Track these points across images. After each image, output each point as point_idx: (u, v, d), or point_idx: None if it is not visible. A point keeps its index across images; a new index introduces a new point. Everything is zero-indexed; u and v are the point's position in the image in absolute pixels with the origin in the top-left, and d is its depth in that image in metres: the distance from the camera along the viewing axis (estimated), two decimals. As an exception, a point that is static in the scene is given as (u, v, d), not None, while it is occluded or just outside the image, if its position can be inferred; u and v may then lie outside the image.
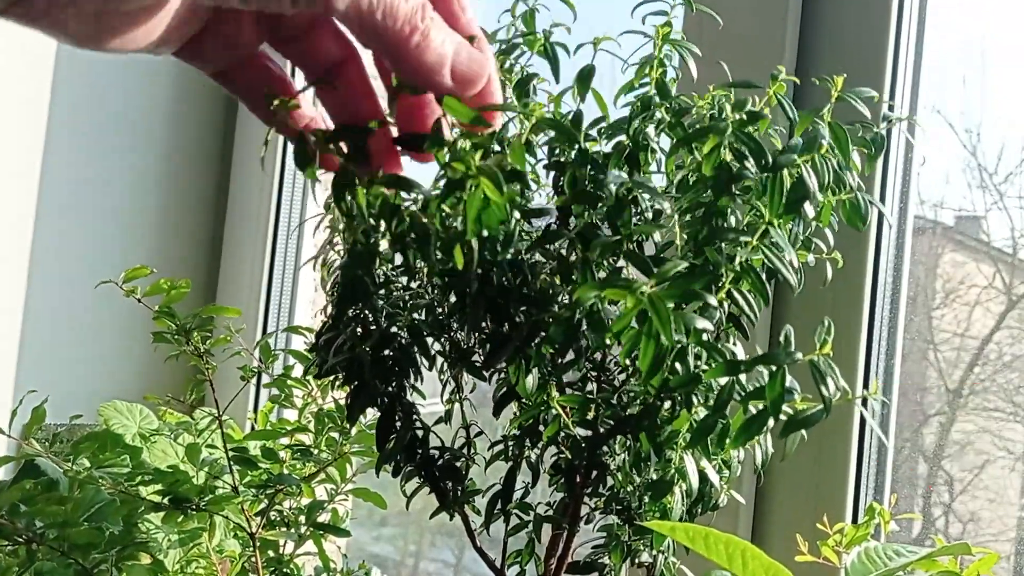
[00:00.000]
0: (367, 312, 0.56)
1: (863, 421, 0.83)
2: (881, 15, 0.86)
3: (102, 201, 1.27)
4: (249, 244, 1.32)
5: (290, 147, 1.41)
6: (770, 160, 0.48)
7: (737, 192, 0.49)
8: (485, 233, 0.44)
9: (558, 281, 0.50)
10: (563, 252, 0.51)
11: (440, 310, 0.57)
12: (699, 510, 0.58)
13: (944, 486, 1.12)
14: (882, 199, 0.85)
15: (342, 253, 0.59)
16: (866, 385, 0.84)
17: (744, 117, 0.49)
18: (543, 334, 0.50)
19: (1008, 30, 1.03)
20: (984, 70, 1.05)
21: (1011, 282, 1.15)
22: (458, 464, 0.60)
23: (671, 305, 0.41)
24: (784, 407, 0.43)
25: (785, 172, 0.48)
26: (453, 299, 0.57)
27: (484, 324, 0.52)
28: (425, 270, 0.59)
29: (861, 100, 0.53)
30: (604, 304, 0.45)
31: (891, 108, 0.83)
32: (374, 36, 0.37)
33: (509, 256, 0.49)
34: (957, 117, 1.07)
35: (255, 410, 1.22)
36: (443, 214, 0.46)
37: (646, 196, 0.51)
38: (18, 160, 1.18)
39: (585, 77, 0.53)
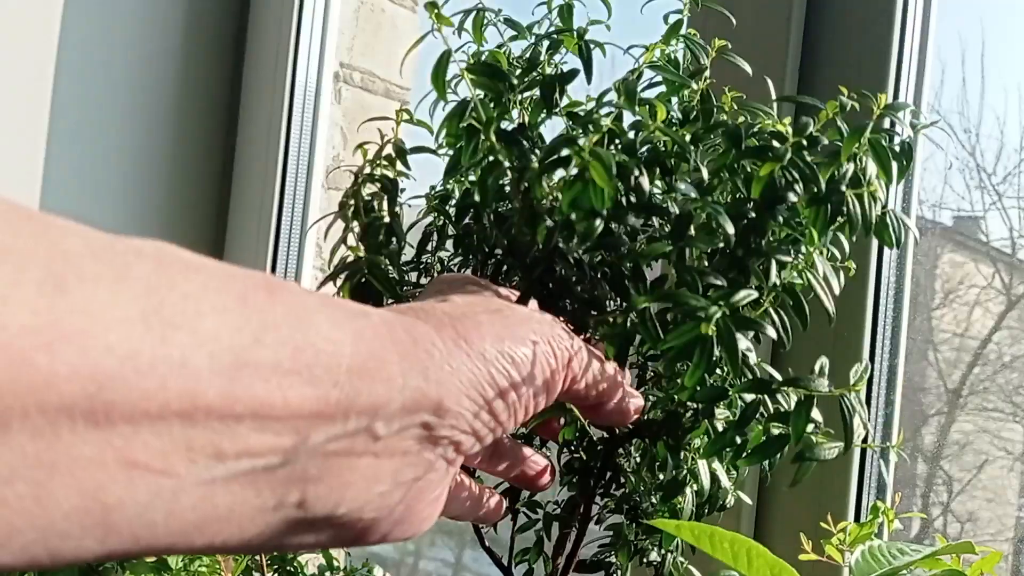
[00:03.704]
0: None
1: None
2: (885, 13, 0.86)
3: (105, 204, 1.27)
4: (251, 246, 1.32)
5: (291, 146, 1.40)
6: (823, 189, 0.47)
7: (781, 212, 0.48)
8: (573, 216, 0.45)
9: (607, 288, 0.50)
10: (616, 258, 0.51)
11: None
12: (707, 510, 0.58)
13: (943, 486, 1.12)
14: (885, 200, 0.85)
15: (355, 249, 0.59)
16: (869, 385, 0.84)
17: (804, 142, 0.48)
18: (585, 335, 0.50)
19: (1007, 31, 1.04)
20: (983, 71, 1.05)
21: (1010, 282, 1.16)
22: (466, 462, 0.60)
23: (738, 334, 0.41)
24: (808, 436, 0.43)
25: (830, 208, 0.47)
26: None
27: None
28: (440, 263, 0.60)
29: (901, 117, 0.52)
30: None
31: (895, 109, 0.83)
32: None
33: (582, 252, 0.50)
34: (956, 118, 1.08)
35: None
36: (539, 191, 0.48)
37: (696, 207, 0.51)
38: (20, 160, 1.18)
39: (632, 90, 0.52)
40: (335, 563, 0.80)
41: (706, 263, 0.50)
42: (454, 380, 0.41)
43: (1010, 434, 1.11)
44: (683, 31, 0.59)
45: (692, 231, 0.48)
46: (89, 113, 1.25)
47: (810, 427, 0.44)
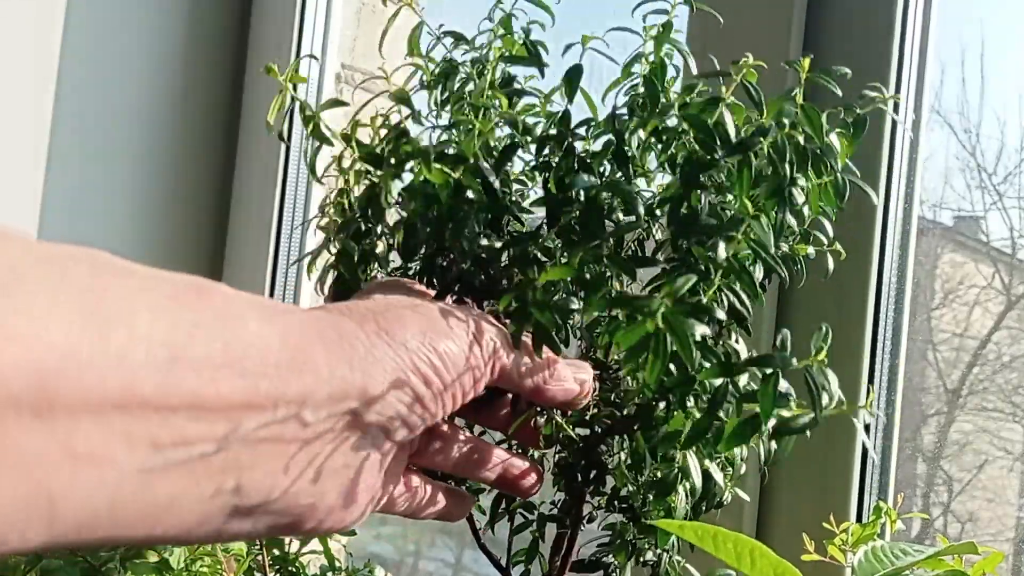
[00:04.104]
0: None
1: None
2: (886, 13, 0.86)
3: (106, 203, 1.27)
4: (253, 240, 1.32)
5: (293, 146, 1.40)
6: (732, 143, 0.47)
7: (710, 185, 0.49)
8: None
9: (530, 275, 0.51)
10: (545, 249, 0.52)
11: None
12: (704, 508, 0.58)
13: (943, 486, 1.12)
14: (887, 200, 0.85)
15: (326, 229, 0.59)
16: (871, 384, 0.84)
17: (692, 100, 0.48)
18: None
19: (1007, 31, 1.04)
20: (983, 70, 1.05)
21: (1010, 282, 1.16)
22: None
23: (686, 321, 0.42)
24: (780, 411, 0.43)
25: (752, 158, 0.47)
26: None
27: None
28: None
29: (835, 79, 0.53)
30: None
31: (896, 107, 0.83)
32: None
33: (465, 245, 0.51)
34: (956, 117, 1.08)
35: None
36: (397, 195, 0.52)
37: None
38: (21, 159, 1.19)
39: (572, 77, 0.53)
40: (336, 563, 0.80)
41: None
42: (378, 368, 0.42)
43: (1010, 434, 1.11)
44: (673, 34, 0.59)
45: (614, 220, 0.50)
46: (90, 114, 1.25)
47: (791, 403, 0.44)
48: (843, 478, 0.84)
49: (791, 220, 0.51)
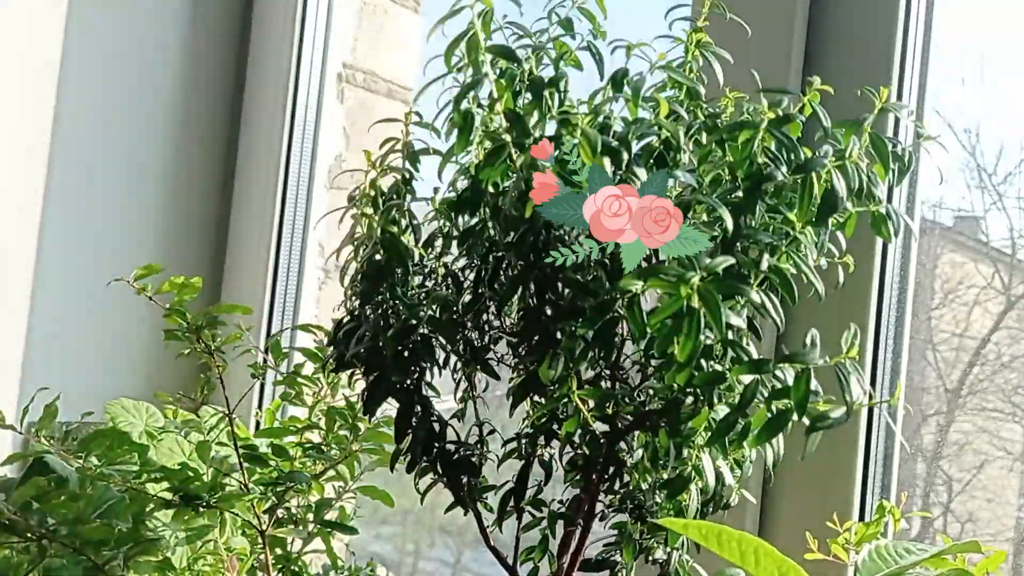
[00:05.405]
0: (391, 301, 0.56)
1: (870, 421, 0.83)
2: (888, 16, 0.86)
3: (110, 199, 1.27)
4: (254, 241, 1.32)
5: (293, 146, 1.40)
6: (802, 160, 0.48)
7: (767, 195, 0.49)
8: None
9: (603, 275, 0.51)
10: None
11: (455, 308, 0.57)
12: (711, 508, 0.58)
13: (943, 486, 1.12)
14: (888, 200, 0.86)
15: (364, 244, 0.59)
16: (873, 384, 0.84)
17: (779, 115, 0.49)
18: (580, 320, 0.50)
19: (1007, 31, 1.04)
20: (983, 71, 1.05)
21: (1009, 282, 1.16)
22: (473, 459, 0.61)
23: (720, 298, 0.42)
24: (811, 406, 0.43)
25: (815, 178, 0.48)
26: (468, 297, 0.57)
27: (522, 298, 0.53)
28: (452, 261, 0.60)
29: (897, 113, 0.53)
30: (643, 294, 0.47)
31: (905, 113, 0.83)
32: None
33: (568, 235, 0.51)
34: (956, 117, 1.08)
35: (260, 408, 1.22)
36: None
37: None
38: (23, 160, 1.18)
39: (619, 81, 0.53)
40: (340, 562, 0.80)
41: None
42: None
43: (1009, 434, 1.11)
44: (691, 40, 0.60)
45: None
46: (91, 118, 1.25)
47: (812, 399, 0.45)
48: (846, 477, 0.84)
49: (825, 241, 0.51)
